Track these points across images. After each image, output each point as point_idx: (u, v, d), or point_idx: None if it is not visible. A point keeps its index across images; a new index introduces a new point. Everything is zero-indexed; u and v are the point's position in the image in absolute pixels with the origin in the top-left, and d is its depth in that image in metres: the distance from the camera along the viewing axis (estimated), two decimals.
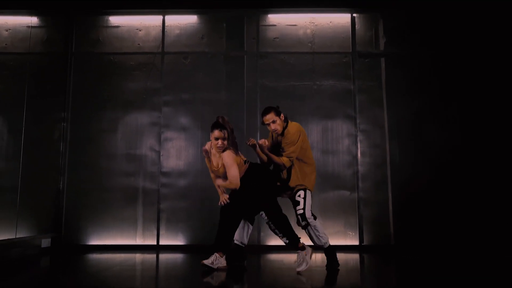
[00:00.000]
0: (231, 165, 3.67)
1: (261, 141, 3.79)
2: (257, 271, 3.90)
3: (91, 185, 5.56)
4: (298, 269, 3.62)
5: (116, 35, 5.89)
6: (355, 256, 4.86)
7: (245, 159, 3.84)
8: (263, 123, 3.85)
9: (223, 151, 3.73)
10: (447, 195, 5.46)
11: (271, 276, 3.65)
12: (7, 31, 5.35)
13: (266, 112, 3.83)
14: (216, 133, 3.72)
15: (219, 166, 3.78)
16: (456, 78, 5.68)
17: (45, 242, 5.14)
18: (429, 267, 3.93)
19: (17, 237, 4.82)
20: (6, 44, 5.34)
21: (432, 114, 5.67)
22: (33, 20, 5.47)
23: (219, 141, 3.71)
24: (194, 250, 5.11)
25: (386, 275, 3.85)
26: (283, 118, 3.84)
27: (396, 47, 5.82)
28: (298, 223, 3.78)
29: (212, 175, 3.92)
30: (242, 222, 3.89)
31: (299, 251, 3.70)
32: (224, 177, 3.75)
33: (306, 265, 3.65)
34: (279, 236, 3.74)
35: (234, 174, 3.66)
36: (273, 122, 3.78)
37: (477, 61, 5.69)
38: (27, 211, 5.00)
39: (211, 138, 3.77)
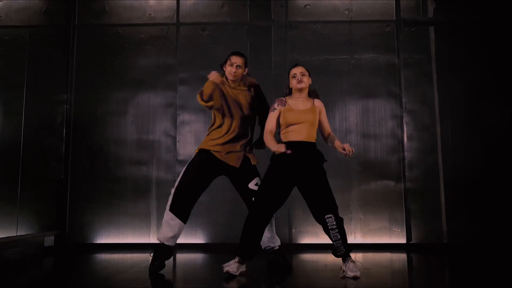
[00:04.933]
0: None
1: None
2: (290, 275, 3.74)
3: (97, 176, 5.46)
4: (354, 274, 3.38)
5: (124, 4, 5.76)
6: (402, 257, 4.77)
7: None
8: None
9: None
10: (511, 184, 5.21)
11: (306, 279, 3.56)
12: (1, 1, 5.19)
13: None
14: (300, 69, 3.63)
15: (309, 108, 3.61)
16: None
17: (48, 241, 5.06)
18: (489, 270, 3.87)
19: (17, 234, 4.73)
20: (0, 16, 5.19)
21: (490, 91, 5.43)
22: None
23: (304, 78, 3.61)
24: (216, 249, 5.05)
25: (438, 279, 3.70)
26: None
27: (447, 14, 5.61)
28: None
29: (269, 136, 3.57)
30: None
31: (348, 257, 3.49)
32: (298, 129, 3.52)
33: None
34: (336, 243, 3.44)
35: None
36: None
37: None
38: (28, 205, 4.94)
39: (290, 81, 3.65)
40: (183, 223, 3.65)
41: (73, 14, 5.71)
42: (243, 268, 3.46)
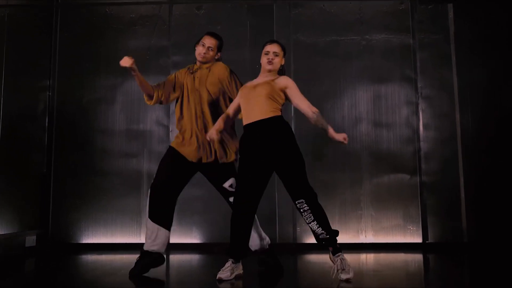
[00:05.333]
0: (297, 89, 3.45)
1: None
2: (294, 275, 3.78)
3: (83, 169, 5.38)
4: (346, 277, 3.28)
5: None
6: (418, 257, 4.69)
7: None
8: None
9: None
10: None
11: (311, 282, 3.55)
12: None
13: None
14: (274, 47, 3.47)
15: (261, 83, 3.44)
16: None
17: (30, 241, 4.99)
18: None
19: None
20: None
21: None
22: None
23: (276, 58, 3.45)
24: (212, 250, 4.98)
25: (457, 282, 3.61)
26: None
27: None
28: None
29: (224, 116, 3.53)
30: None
31: (339, 253, 3.37)
32: (253, 107, 3.37)
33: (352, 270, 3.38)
34: (316, 232, 3.34)
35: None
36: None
37: None
38: (8, 201, 4.84)
39: (262, 57, 3.47)
40: (167, 231, 3.57)
41: None
42: (238, 270, 3.40)
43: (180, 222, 5.22)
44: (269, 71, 3.46)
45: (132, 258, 4.22)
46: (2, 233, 4.66)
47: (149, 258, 3.48)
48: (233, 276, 3.33)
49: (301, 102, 3.41)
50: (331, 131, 3.39)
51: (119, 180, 5.35)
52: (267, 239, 3.73)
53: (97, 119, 5.44)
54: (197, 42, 3.68)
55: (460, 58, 5.38)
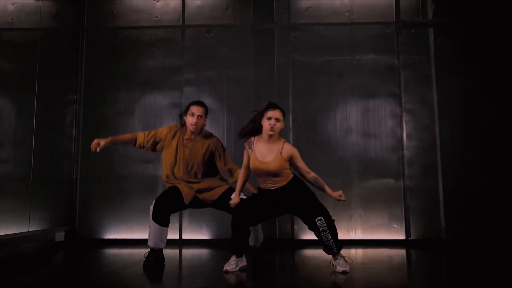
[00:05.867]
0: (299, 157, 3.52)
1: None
2: (291, 269, 3.88)
3: (106, 173, 5.51)
4: (343, 269, 3.47)
5: (131, 7, 5.80)
6: (401, 252, 4.79)
7: None
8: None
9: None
10: (507, 182, 5.24)
11: (306, 274, 3.60)
12: (13, 4, 5.14)
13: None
14: (276, 113, 3.48)
15: (272, 160, 3.50)
16: None
17: (59, 236, 5.13)
18: (486, 266, 3.84)
19: (30, 230, 4.79)
20: (12, 19, 5.12)
21: (488, 91, 5.43)
22: None
23: (278, 124, 3.48)
24: (221, 245, 5.02)
25: (436, 274, 3.69)
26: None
27: (446, 16, 5.59)
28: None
29: (244, 172, 3.65)
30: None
31: (339, 254, 3.59)
32: (268, 175, 3.50)
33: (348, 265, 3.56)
34: (328, 247, 3.53)
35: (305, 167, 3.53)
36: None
37: None
38: (40, 202, 4.98)
39: (263, 120, 3.49)
40: (166, 229, 3.74)
41: (82, 17, 5.76)
42: (243, 263, 3.55)
43: (191, 220, 5.36)
44: (271, 136, 3.49)
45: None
46: (35, 229, 4.85)
47: (155, 253, 3.74)
48: (238, 268, 3.47)
49: (301, 168, 3.52)
50: (328, 190, 3.49)
51: (137, 183, 5.45)
52: (262, 238, 3.92)
53: (118, 129, 5.45)
54: (185, 112, 3.83)
55: (440, 76, 5.47)
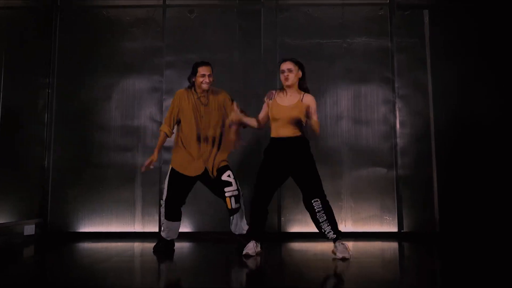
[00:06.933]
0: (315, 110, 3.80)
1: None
2: (279, 264, 3.81)
3: (81, 163, 5.38)
4: (343, 255, 3.63)
5: None
6: (393, 245, 4.78)
7: None
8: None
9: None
10: (505, 171, 5.17)
11: (296, 268, 3.56)
12: None
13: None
14: (287, 65, 3.78)
15: (292, 104, 3.77)
16: None
17: (28, 229, 4.99)
18: (481, 260, 3.86)
19: None
20: None
21: (484, 76, 5.36)
22: None
23: (291, 74, 3.77)
24: (203, 238, 5.07)
25: (429, 268, 3.71)
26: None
27: None
28: (230, 208, 4.03)
29: (255, 119, 3.94)
30: None
31: (339, 240, 3.76)
32: (285, 119, 3.73)
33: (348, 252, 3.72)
34: (324, 231, 3.74)
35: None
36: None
37: None
38: (8, 192, 4.85)
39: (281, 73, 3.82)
40: (179, 222, 4.17)
41: None
42: (258, 248, 3.80)
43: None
44: (288, 86, 3.80)
45: (125, 246, 4.52)
46: (2, 222, 4.65)
47: (166, 242, 4.14)
48: (256, 252, 3.74)
49: (314, 119, 3.73)
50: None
51: (114, 172, 5.36)
52: (246, 227, 4.12)
53: (94, 116, 5.43)
54: (194, 74, 4.08)
55: (434, 61, 5.42)
